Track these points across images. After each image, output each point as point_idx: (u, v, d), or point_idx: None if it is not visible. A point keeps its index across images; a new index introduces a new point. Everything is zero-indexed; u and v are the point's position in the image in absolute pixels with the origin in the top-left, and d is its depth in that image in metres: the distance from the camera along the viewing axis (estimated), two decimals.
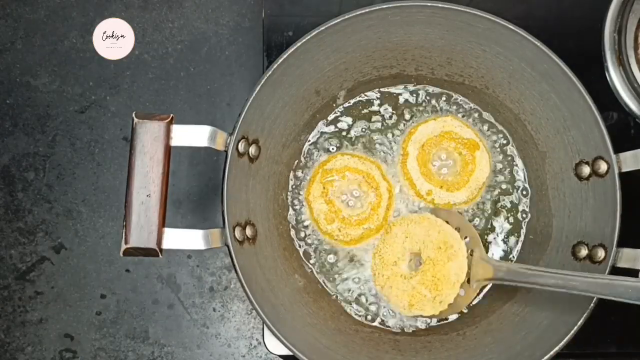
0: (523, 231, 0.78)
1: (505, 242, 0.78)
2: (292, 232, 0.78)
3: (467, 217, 0.78)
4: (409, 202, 0.78)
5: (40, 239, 0.85)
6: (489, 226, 0.78)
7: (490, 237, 0.78)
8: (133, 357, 0.84)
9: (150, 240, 0.60)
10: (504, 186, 0.79)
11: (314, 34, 0.69)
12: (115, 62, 0.88)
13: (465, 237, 0.73)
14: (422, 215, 0.76)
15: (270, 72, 0.68)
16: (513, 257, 0.78)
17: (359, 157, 0.78)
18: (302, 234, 0.78)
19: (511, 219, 0.78)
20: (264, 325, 0.77)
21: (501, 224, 0.78)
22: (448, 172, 0.78)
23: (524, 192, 0.78)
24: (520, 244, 0.78)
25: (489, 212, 0.78)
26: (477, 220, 0.78)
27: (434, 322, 0.77)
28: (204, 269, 0.85)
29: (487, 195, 0.79)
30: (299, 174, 0.79)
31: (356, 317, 0.77)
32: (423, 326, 0.77)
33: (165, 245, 0.61)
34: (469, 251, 0.72)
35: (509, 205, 0.78)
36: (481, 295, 0.77)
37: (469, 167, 0.78)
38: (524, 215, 0.78)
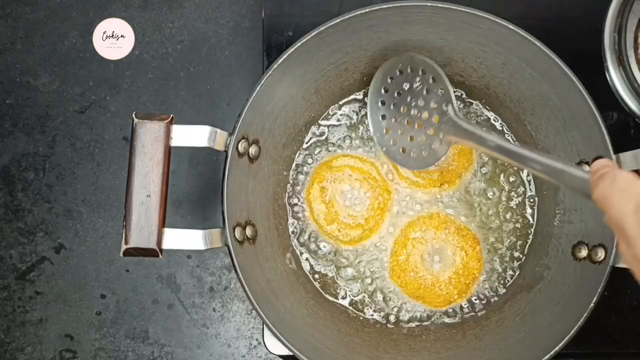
0: (524, 230, 0.78)
1: (507, 242, 0.78)
2: (292, 232, 0.78)
3: (468, 216, 0.78)
4: (409, 202, 0.78)
5: (40, 239, 0.85)
6: (492, 226, 0.78)
7: (493, 237, 0.78)
8: (133, 357, 0.84)
9: (150, 241, 0.60)
10: (506, 186, 0.79)
11: (314, 34, 0.69)
12: (115, 62, 0.88)
13: (440, 90, 0.71)
14: (431, 213, 0.78)
15: (270, 72, 0.68)
16: (516, 256, 0.78)
17: (359, 158, 0.79)
18: (302, 234, 0.78)
19: (513, 219, 0.78)
20: (264, 325, 0.77)
21: (504, 223, 0.78)
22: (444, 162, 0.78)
23: (528, 192, 0.79)
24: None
25: (492, 211, 0.78)
26: (481, 220, 0.78)
27: (434, 322, 0.77)
28: (204, 269, 0.85)
29: (490, 195, 0.79)
30: (299, 174, 0.79)
31: (356, 317, 0.77)
32: (424, 327, 0.77)
33: (165, 245, 0.61)
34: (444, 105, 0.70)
35: (511, 204, 0.79)
36: (481, 294, 0.77)
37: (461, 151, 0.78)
38: (528, 214, 0.78)
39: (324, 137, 0.80)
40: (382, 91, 0.76)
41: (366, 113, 0.79)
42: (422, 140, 0.73)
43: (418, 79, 0.72)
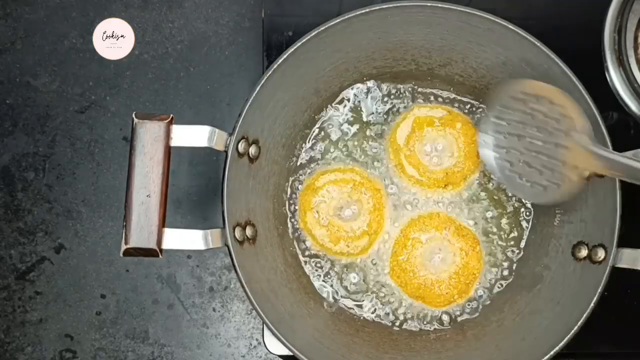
0: (525, 231, 0.78)
1: (507, 242, 0.78)
2: (292, 232, 0.78)
3: (469, 216, 0.78)
4: (411, 201, 0.78)
5: (40, 239, 0.85)
6: (492, 226, 0.78)
7: (493, 237, 0.78)
8: (133, 357, 0.84)
9: (150, 241, 0.60)
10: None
11: (314, 34, 0.69)
12: (115, 62, 0.88)
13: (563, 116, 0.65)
14: (431, 212, 0.77)
15: (270, 72, 0.68)
16: (516, 256, 0.78)
17: (338, 170, 0.78)
18: (302, 234, 0.78)
19: (514, 219, 0.78)
20: (264, 325, 0.77)
21: (504, 224, 0.78)
22: (443, 157, 0.78)
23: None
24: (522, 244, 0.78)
25: (493, 212, 0.78)
26: (480, 220, 0.78)
27: (434, 322, 0.77)
28: (204, 269, 0.85)
29: (493, 196, 0.79)
30: (300, 174, 0.79)
31: (356, 317, 0.77)
32: (424, 327, 0.77)
33: (165, 245, 0.61)
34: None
35: (513, 205, 0.79)
36: (481, 294, 0.77)
37: (459, 142, 0.77)
38: (527, 214, 0.78)
39: (322, 137, 0.80)
40: (496, 119, 0.71)
41: (348, 118, 0.79)
42: (546, 170, 0.67)
43: (539, 105, 0.67)
